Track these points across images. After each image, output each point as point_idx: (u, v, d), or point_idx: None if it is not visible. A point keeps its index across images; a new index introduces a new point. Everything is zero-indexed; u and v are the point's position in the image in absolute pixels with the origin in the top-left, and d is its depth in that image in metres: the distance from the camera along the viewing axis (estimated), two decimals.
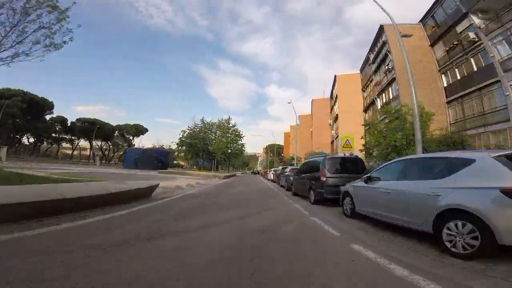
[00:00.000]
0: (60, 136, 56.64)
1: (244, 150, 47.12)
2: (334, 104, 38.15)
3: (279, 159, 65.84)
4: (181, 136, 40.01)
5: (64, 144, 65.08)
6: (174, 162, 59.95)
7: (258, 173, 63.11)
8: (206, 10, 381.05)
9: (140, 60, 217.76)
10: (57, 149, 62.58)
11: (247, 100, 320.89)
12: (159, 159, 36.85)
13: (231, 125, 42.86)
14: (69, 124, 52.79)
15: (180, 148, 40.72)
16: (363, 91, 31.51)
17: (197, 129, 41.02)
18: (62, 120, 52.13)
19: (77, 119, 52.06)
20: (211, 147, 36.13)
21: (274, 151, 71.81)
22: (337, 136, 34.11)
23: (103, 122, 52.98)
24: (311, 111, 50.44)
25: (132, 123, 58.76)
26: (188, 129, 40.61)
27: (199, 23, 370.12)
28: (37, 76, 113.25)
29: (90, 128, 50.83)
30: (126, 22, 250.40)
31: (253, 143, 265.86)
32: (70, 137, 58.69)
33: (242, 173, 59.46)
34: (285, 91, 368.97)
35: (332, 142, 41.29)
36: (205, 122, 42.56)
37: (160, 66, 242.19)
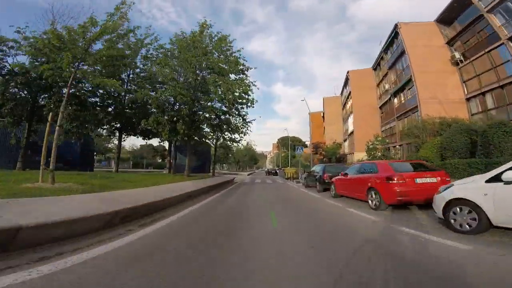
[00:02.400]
0: None
1: (250, 124, 17.63)
2: None
3: (313, 151, 38.82)
4: None
5: None
6: (175, 162, 39.30)
7: (276, 173, 35.97)
8: (210, 11, 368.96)
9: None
10: None
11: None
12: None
13: (215, 36, 14.81)
14: None
15: None
16: None
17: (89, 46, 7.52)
18: None
19: None
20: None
21: (310, 141, 49.17)
22: None
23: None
24: (381, 59, 28.49)
25: None
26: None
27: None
28: None
29: None
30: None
31: (261, 142, 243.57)
32: None
33: (249, 174, 37.11)
34: (291, 89, 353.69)
35: (469, 99, 19.65)
36: (136, 34, 15.14)
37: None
